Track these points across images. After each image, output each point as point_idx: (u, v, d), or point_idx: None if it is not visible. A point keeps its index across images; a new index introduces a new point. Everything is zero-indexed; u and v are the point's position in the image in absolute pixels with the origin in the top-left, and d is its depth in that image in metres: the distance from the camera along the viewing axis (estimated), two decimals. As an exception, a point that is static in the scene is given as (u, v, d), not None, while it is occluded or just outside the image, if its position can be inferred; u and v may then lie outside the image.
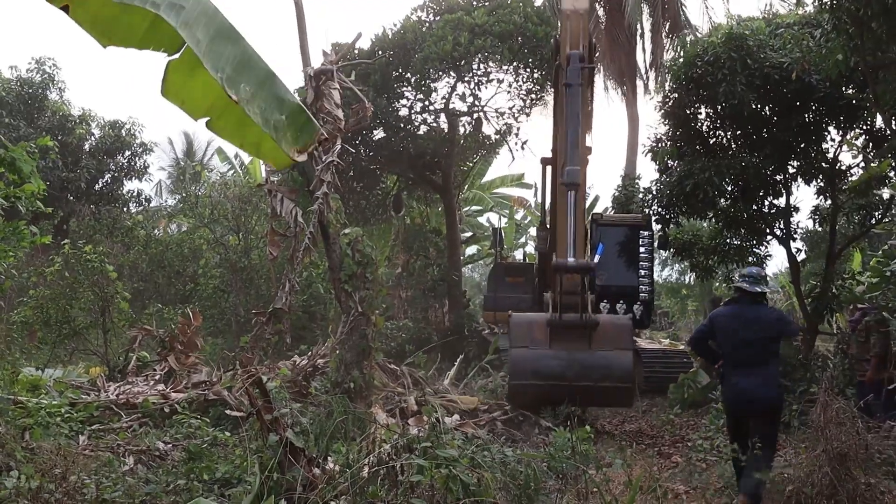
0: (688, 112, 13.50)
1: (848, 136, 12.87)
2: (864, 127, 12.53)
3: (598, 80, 29.26)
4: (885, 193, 12.86)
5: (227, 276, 19.55)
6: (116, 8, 3.18)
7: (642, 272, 14.53)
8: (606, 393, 8.65)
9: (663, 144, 14.33)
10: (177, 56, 3.38)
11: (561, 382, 8.53)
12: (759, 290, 6.61)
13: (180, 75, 3.44)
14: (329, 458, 5.34)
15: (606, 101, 30.06)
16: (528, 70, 19.88)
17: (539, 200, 20.22)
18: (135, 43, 3.30)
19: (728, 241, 14.91)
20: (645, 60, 27.79)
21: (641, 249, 14.55)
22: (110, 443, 7.23)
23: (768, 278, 7.40)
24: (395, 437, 5.40)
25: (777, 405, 6.56)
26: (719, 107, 12.84)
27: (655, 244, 14.87)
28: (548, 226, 15.62)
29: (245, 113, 3.65)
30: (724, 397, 6.84)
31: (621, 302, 14.47)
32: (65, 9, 3.07)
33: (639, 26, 27.51)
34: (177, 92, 3.50)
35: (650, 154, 14.59)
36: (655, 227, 15.07)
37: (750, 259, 14.97)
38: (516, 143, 21.25)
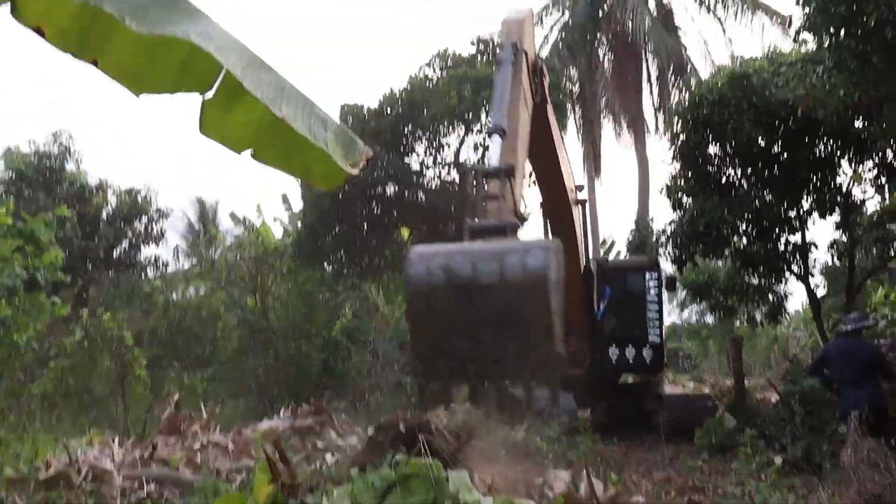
0: (697, 152, 13.55)
1: (859, 170, 12.85)
2: (876, 159, 12.50)
3: (608, 125, 29.68)
4: (901, 226, 12.76)
5: (245, 338, 19.56)
6: (146, 56, 3.22)
7: (651, 315, 14.13)
8: (522, 280, 5.81)
9: (677, 182, 14.34)
10: (211, 93, 3.37)
11: (465, 250, 6.46)
12: (850, 328, 8.85)
13: (217, 111, 3.45)
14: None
15: (619, 146, 30.19)
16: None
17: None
18: (167, 88, 3.31)
19: (746, 280, 14.78)
20: (654, 103, 28.09)
21: (651, 292, 14.20)
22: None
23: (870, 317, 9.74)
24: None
25: (884, 408, 8.20)
26: (729, 146, 12.91)
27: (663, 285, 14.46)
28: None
29: (288, 138, 3.65)
30: (842, 406, 8.41)
31: (630, 347, 14.12)
32: (94, 63, 3.12)
33: (645, 70, 27.87)
34: (216, 128, 3.50)
35: (665, 190, 14.56)
36: (670, 268, 14.87)
37: (770, 297, 14.83)
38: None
